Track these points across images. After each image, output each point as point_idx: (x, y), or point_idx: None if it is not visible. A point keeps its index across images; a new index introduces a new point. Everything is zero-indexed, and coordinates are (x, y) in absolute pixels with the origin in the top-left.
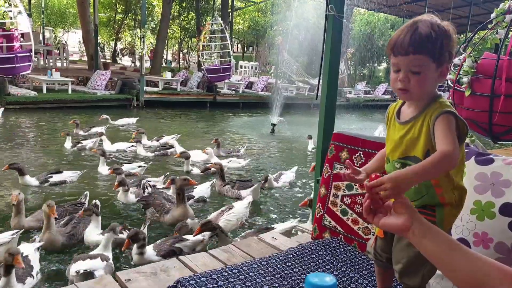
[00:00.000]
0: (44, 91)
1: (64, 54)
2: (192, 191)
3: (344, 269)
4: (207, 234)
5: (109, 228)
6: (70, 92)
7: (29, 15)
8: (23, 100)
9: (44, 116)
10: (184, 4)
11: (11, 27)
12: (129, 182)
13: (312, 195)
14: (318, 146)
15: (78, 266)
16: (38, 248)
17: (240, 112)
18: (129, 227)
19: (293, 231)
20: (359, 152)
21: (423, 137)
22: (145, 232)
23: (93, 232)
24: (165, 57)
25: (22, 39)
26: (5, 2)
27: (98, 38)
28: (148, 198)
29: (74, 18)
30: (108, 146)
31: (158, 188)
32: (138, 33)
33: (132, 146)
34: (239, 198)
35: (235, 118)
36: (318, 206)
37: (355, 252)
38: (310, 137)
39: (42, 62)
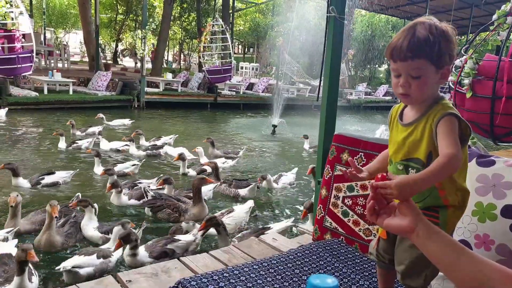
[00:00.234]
0: (45, 92)
1: (65, 55)
2: None
3: (345, 271)
4: (199, 233)
5: (119, 223)
6: (71, 93)
7: (31, 16)
8: (24, 101)
9: (45, 116)
10: (185, 5)
11: (12, 27)
12: (121, 184)
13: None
14: (319, 148)
15: (68, 262)
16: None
17: (241, 113)
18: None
19: (293, 231)
20: (360, 153)
21: (426, 139)
22: (138, 234)
23: (89, 225)
24: (166, 58)
25: (23, 40)
26: (7, 3)
27: (99, 39)
28: (155, 201)
29: (75, 19)
30: (104, 145)
31: (153, 189)
32: (139, 34)
33: (126, 145)
34: (237, 196)
35: (236, 119)
36: (319, 207)
37: (356, 254)
38: (306, 137)
39: (43, 63)
